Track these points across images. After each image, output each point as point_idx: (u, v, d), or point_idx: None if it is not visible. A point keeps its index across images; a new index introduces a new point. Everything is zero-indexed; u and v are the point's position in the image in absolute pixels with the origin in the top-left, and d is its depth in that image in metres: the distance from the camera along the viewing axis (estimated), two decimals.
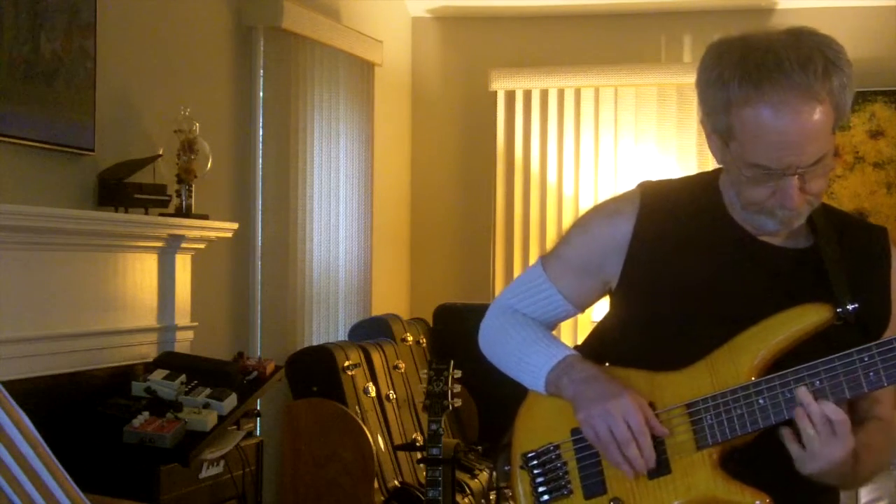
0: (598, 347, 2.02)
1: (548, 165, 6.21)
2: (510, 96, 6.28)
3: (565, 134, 6.19)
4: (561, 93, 6.21)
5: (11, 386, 1.82)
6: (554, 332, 2.09)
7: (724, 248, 1.91)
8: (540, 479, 1.96)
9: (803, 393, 1.76)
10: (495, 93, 6.29)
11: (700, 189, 1.98)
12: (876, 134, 5.92)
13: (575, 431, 1.94)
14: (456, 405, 3.87)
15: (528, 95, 6.26)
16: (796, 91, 1.73)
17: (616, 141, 6.11)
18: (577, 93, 6.17)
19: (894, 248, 1.94)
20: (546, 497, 1.95)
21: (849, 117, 1.84)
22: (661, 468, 1.86)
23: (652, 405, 1.87)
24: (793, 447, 1.78)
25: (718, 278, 1.89)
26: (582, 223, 2.05)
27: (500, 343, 2.08)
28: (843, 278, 1.85)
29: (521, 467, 1.99)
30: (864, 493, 5.21)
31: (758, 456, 1.85)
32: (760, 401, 1.80)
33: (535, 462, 1.97)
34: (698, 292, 1.89)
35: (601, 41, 6.28)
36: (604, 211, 2.04)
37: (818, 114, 1.74)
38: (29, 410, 1.64)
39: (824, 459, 1.76)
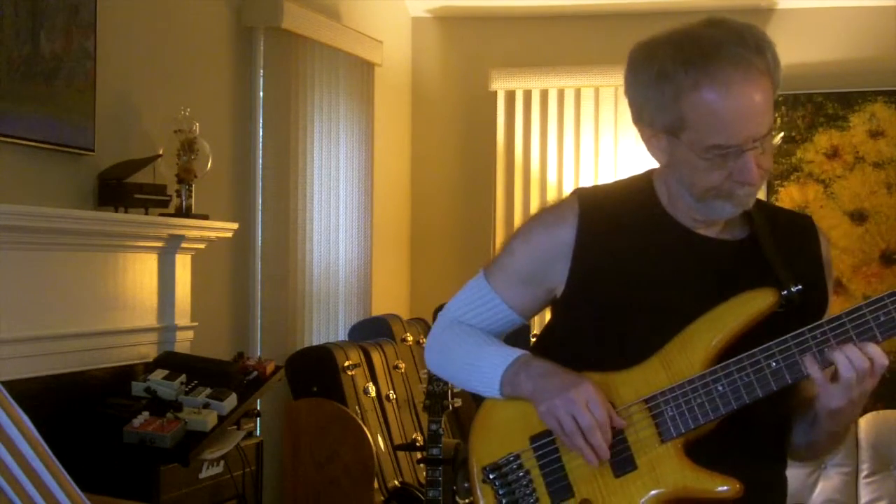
0: (546, 356, 2.01)
1: (548, 165, 6.20)
2: (510, 96, 6.27)
3: (565, 134, 6.18)
4: (561, 93, 6.21)
5: (11, 386, 1.82)
6: None
7: (665, 244, 1.94)
8: (503, 491, 1.94)
9: (849, 348, 1.78)
10: (495, 93, 6.29)
11: (635, 190, 2.01)
12: (876, 134, 5.92)
13: (534, 439, 1.93)
14: (456, 405, 3.88)
15: (528, 95, 6.25)
16: (740, 66, 1.79)
17: (616, 141, 6.11)
18: (577, 93, 6.17)
19: (821, 233, 2.01)
20: None
21: (779, 87, 1.87)
22: (626, 465, 1.87)
23: (612, 405, 1.88)
24: (819, 376, 1.79)
25: (663, 275, 1.92)
26: (523, 233, 2.06)
27: (450, 354, 2.09)
28: (782, 264, 1.89)
29: (483, 481, 1.96)
30: (864, 494, 5.22)
31: (717, 440, 1.86)
32: (719, 387, 1.83)
33: (496, 474, 1.95)
34: (645, 290, 1.92)
35: (601, 41, 6.28)
36: (544, 220, 2.04)
37: (763, 85, 1.81)
38: (29, 410, 1.64)
39: (858, 392, 1.79)
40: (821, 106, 5.91)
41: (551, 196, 6.19)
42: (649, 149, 1.93)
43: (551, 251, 1.98)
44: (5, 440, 1.57)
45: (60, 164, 3.76)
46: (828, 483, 5.23)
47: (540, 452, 1.93)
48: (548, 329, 2.08)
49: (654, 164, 2.01)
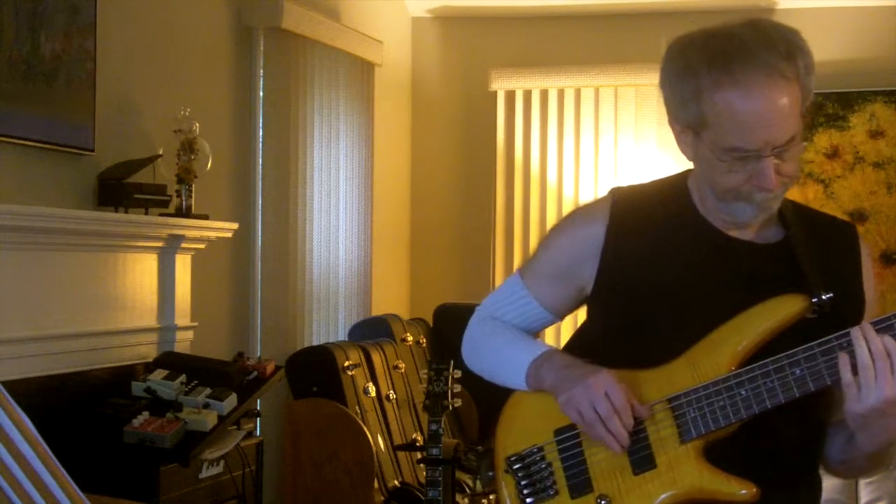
0: (577, 354, 2.02)
1: (548, 165, 6.20)
2: (510, 96, 6.27)
3: (565, 134, 6.18)
4: (561, 93, 6.20)
5: (11, 386, 1.82)
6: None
7: (696, 245, 1.94)
8: (525, 482, 1.96)
9: (866, 327, 1.75)
10: (495, 93, 6.29)
11: (669, 190, 2.00)
12: (876, 134, 5.92)
13: (557, 432, 1.95)
14: (456, 405, 3.87)
15: (528, 95, 6.25)
16: (764, 70, 1.77)
17: (616, 141, 6.11)
18: (577, 93, 6.17)
19: (862, 243, 1.99)
20: (531, 499, 1.95)
21: (811, 99, 1.86)
22: (645, 463, 1.88)
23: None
24: (847, 378, 1.75)
25: (692, 276, 1.92)
26: (555, 232, 2.08)
27: (482, 349, 2.11)
28: (815, 270, 1.87)
29: (506, 471, 1.99)
30: (864, 494, 5.22)
31: (740, 449, 1.86)
32: (742, 391, 1.82)
33: (519, 465, 1.97)
34: (673, 291, 1.92)
35: (601, 41, 6.28)
36: (576, 218, 2.07)
37: (787, 92, 1.78)
38: (29, 410, 1.64)
39: (876, 396, 1.74)
40: (821, 106, 5.92)
41: (551, 196, 6.20)
42: (678, 144, 1.93)
43: (581, 249, 1.99)
44: (5, 440, 1.57)
45: (60, 164, 3.76)
46: (828, 483, 5.21)
47: (563, 446, 1.94)
48: (582, 327, 2.09)
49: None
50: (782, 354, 1.80)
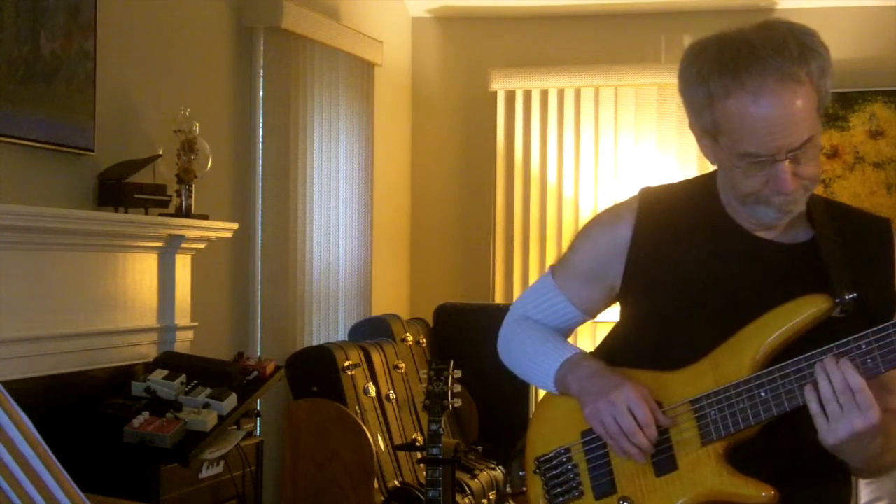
0: (608, 352, 2.05)
1: (548, 165, 6.21)
2: (510, 96, 6.27)
3: (565, 134, 6.18)
4: (561, 93, 6.21)
5: (11, 386, 1.81)
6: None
7: (723, 246, 1.94)
8: (553, 482, 1.99)
9: (829, 360, 1.76)
10: (495, 93, 6.29)
11: (697, 190, 2.01)
12: (876, 134, 5.92)
13: (584, 434, 1.98)
14: (456, 405, 3.88)
15: (528, 95, 6.26)
16: (774, 75, 1.76)
17: (616, 141, 6.11)
18: (577, 93, 6.17)
19: None
20: (560, 499, 1.99)
21: (829, 100, 1.88)
22: (667, 465, 1.89)
23: (659, 404, 1.90)
24: (815, 409, 1.76)
25: (718, 276, 1.92)
26: (585, 231, 2.10)
27: (514, 349, 2.14)
28: (842, 269, 1.86)
29: (535, 472, 2.02)
30: (864, 494, 5.21)
31: (764, 450, 1.86)
32: (762, 393, 1.82)
33: (547, 466, 2.01)
34: (698, 291, 1.92)
35: (601, 41, 6.28)
36: (604, 218, 2.09)
37: (799, 96, 1.78)
38: (29, 410, 1.64)
39: (844, 430, 1.74)
40: None
41: (551, 196, 6.21)
42: (701, 149, 1.94)
43: (609, 249, 2.01)
44: (5, 440, 1.57)
45: (60, 164, 3.76)
46: None
47: (588, 447, 1.97)
48: (615, 325, 2.11)
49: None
50: (801, 357, 1.80)
